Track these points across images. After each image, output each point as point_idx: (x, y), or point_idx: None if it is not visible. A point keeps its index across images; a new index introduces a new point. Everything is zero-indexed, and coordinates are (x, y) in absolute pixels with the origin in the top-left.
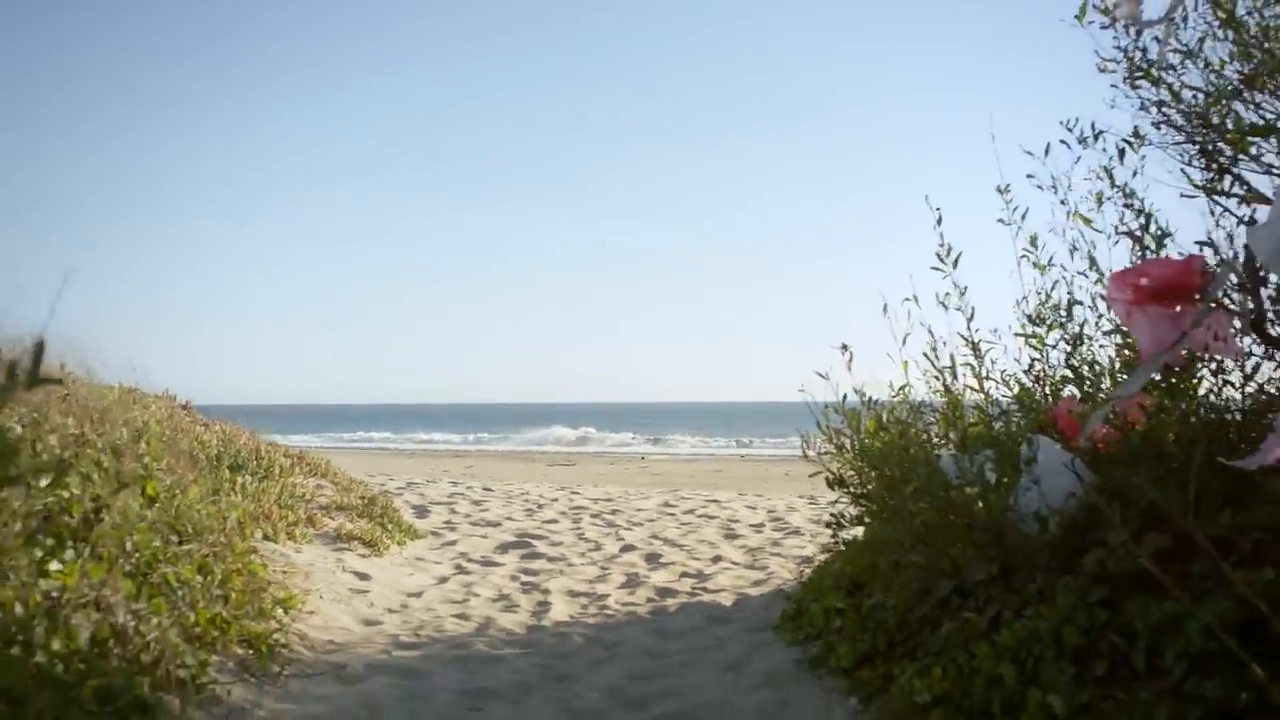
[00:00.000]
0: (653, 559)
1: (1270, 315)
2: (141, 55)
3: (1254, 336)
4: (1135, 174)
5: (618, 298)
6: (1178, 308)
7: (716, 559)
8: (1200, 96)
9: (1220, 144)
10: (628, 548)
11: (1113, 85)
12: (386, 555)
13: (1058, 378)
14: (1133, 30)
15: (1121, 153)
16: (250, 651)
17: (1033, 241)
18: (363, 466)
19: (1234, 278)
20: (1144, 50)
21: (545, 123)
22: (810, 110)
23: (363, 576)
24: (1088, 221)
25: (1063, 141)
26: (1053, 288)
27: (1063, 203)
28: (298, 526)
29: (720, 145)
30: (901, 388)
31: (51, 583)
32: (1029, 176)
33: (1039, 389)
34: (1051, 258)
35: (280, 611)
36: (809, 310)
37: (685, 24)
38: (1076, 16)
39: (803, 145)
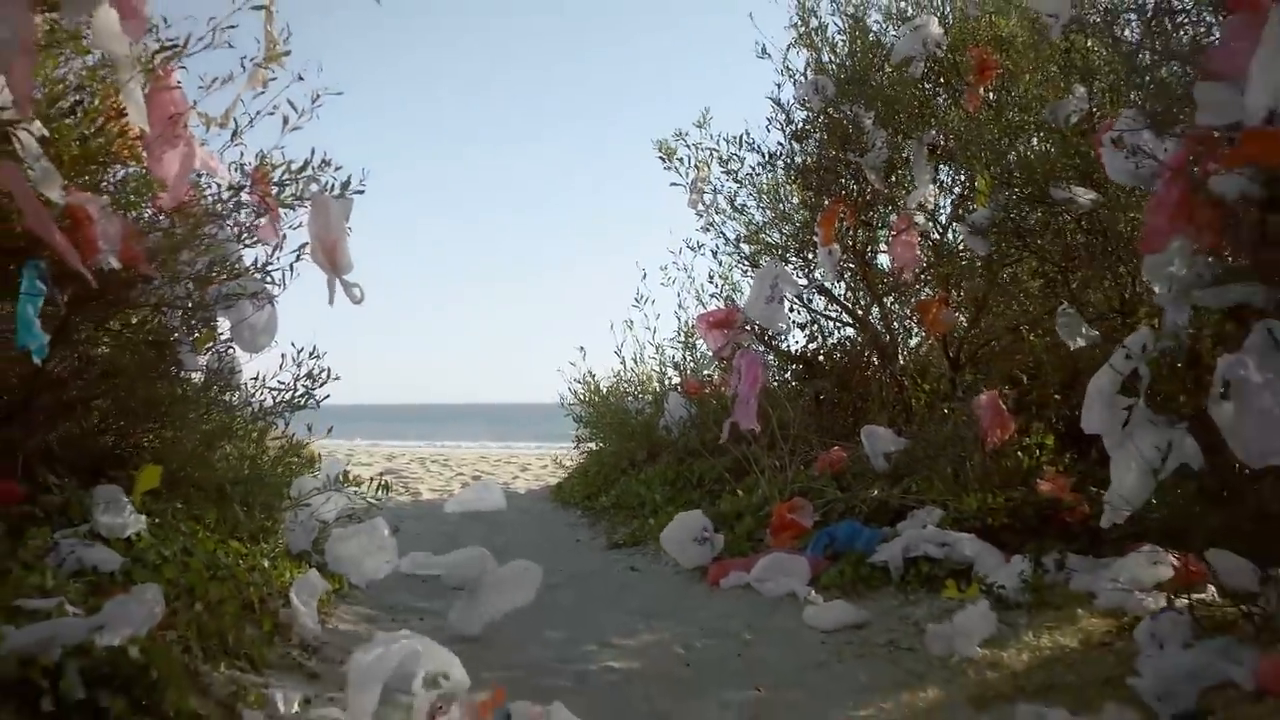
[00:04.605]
0: (476, 479)
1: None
2: None
3: (763, 347)
4: (728, 267)
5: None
6: (726, 331)
7: (515, 478)
8: (748, 228)
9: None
10: (459, 475)
11: (697, 229)
12: None
13: (688, 367)
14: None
15: (715, 253)
16: None
17: (679, 298)
18: None
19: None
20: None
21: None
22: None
23: None
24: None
25: (689, 246)
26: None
27: (690, 279)
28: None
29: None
30: (617, 372)
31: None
32: (674, 262)
33: (680, 372)
34: (681, 303)
35: None
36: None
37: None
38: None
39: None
